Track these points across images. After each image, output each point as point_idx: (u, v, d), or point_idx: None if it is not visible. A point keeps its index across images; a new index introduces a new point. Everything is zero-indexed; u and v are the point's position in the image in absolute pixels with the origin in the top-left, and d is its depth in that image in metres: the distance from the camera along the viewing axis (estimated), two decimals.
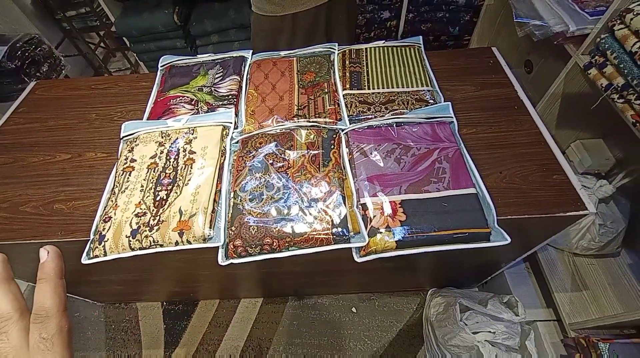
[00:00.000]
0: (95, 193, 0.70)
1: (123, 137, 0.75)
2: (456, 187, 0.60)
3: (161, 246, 0.60)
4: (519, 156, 0.67)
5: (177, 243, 0.59)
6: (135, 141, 0.73)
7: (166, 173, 0.67)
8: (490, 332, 0.77)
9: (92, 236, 0.62)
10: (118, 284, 1.06)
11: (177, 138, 0.72)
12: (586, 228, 0.89)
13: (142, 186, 0.66)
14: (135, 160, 0.70)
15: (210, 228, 0.60)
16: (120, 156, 0.72)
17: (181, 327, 1.14)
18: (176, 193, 0.64)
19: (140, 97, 0.89)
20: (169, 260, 0.74)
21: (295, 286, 1.13)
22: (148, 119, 0.80)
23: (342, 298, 1.16)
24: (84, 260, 0.60)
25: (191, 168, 0.67)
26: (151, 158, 0.70)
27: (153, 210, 0.62)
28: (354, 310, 1.14)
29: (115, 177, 0.68)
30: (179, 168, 0.67)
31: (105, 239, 0.60)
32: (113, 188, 0.67)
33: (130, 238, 0.59)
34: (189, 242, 0.59)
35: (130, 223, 0.61)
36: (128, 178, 0.67)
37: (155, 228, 0.60)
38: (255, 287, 1.13)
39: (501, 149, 0.69)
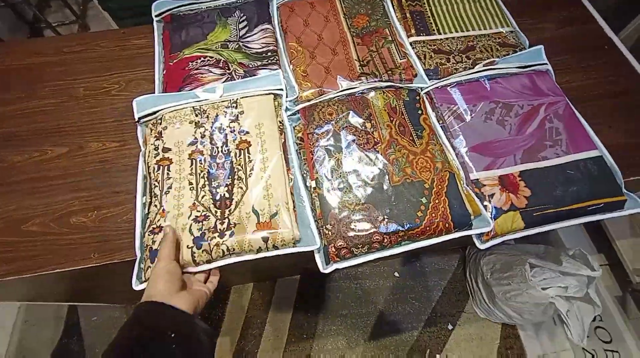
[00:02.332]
0: (122, 197, 0.54)
1: (140, 119, 0.57)
2: (576, 150, 0.52)
3: (238, 254, 0.48)
4: (626, 106, 0.59)
5: (259, 250, 0.47)
6: (161, 123, 0.55)
7: (217, 163, 0.52)
8: (560, 286, 0.77)
9: (139, 255, 0.48)
10: None
11: (217, 115, 0.56)
12: None
13: (190, 183, 0.51)
14: (170, 149, 0.53)
15: (297, 228, 0.48)
16: (146, 145, 0.55)
17: (218, 315, 1.06)
18: (240, 188, 0.50)
19: (139, 61, 0.68)
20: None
21: None
22: (164, 91, 0.61)
23: (382, 265, 1.13)
24: (136, 286, 0.47)
25: (248, 153, 0.53)
26: (190, 144, 0.54)
27: (216, 212, 0.49)
28: (396, 274, 1.12)
29: (150, 174, 0.52)
30: (232, 154, 0.53)
31: None
32: (151, 189, 0.51)
33: (194, 249, 0.46)
34: (275, 247, 0.47)
35: (190, 230, 0.47)
36: (168, 173, 0.51)
37: (228, 233, 0.47)
38: (293, 269, 1.05)
39: (603, 99, 0.61)
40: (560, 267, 0.76)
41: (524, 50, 0.62)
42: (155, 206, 0.50)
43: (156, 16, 0.70)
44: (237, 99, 0.57)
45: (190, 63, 0.62)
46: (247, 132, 0.54)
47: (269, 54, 0.63)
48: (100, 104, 0.63)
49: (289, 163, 0.53)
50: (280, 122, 0.56)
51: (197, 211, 0.49)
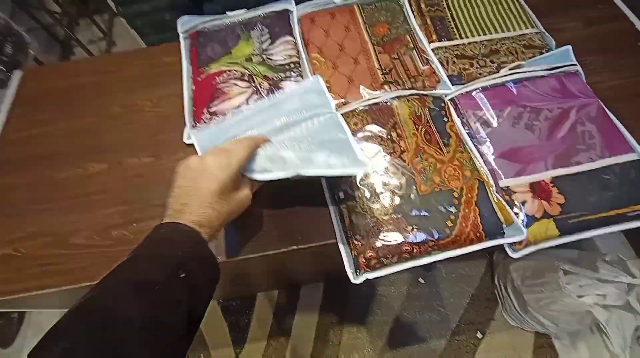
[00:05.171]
0: (159, 210, 0.56)
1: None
2: (612, 153, 0.51)
3: None
4: None
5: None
6: None
7: None
8: (598, 294, 0.74)
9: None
10: None
11: None
12: None
13: None
14: None
15: None
16: None
17: (245, 321, 1.08)
18: None
19: (168, 78, 0.70)
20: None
21: None
22: (194, 106, 0.64)
23: (407, 271, 1.11)
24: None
25: None
26: None
27: None
28: (421, 280, 1.10)
29: None
30: None
31: None
32: None
33: None
34: None
35: None
36: None
37: None
38: (318, 273, 1.06)
39: (637, 99, 0.58)
40: (597, 274, 0.73)
41: (550, 51, 0.61)
42: None
43: (183, 33, 0.73)
44: None
45: (216, 77, 0.64)
46: None
47: (292, 65, 0.64)
48: (133, 121, 0.66)
49: None
50: None
51: None
